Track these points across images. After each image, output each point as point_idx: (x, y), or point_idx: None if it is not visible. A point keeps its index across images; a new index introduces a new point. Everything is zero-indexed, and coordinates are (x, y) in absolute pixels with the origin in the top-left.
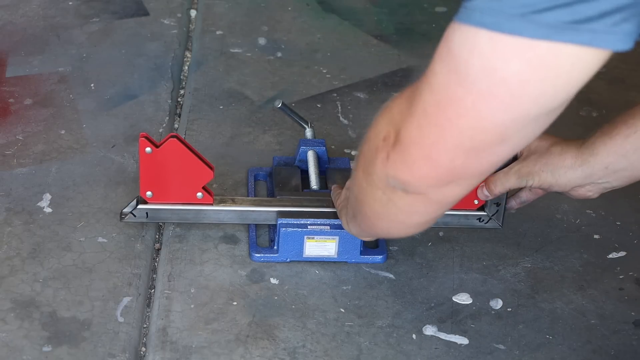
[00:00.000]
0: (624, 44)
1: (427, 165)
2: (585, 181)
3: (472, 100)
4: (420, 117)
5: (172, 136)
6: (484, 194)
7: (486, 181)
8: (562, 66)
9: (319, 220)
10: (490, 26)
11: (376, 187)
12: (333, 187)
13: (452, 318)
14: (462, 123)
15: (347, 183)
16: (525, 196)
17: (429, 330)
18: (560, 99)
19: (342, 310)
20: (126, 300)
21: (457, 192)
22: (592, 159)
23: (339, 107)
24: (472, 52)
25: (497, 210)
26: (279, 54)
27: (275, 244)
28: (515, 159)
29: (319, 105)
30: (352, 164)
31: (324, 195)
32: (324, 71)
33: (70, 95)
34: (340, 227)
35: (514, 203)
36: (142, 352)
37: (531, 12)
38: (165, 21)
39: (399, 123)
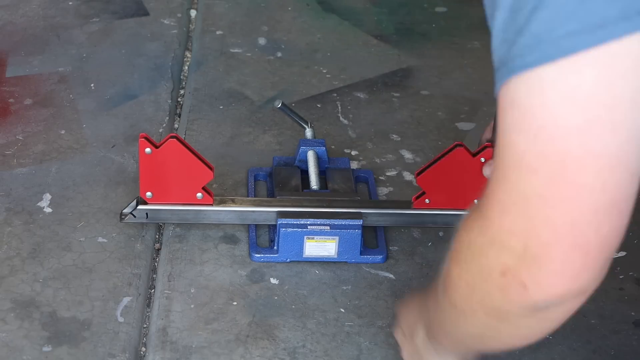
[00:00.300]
0: None
1: (580, 258)
2: None
3: (577, 143)
4: (542, 210)
5: (172, 136)
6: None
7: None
8: (632, 55)
9: (319, 221)
10: (546, 59)
11: (518, 319)
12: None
13: None
14: (586, 177)
15: (407, 330)
16: None
17: None
18: None
19: (342, 310)
20: (126, 300)
21: (607, 264)
22: None
23: (339, 107)
24: (543, 92)
25: None
26: (279, 54)
27: (275, 244)
28: None
29: (319, 105)
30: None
31: (324, 195)
32: (324, 71)
33: (70, 95)
34: (340, 227)
35: None
36: (142, 352)
37: (580, 26)
38: (165, 21)
39: (519, 242)
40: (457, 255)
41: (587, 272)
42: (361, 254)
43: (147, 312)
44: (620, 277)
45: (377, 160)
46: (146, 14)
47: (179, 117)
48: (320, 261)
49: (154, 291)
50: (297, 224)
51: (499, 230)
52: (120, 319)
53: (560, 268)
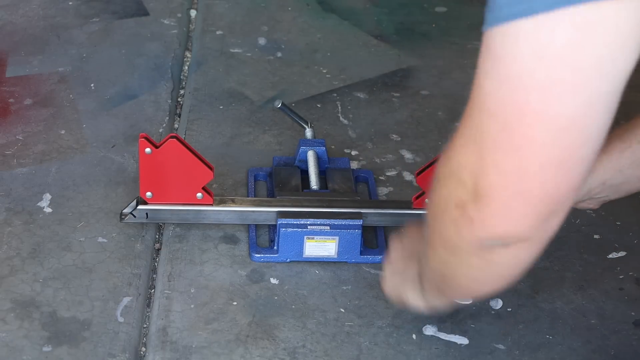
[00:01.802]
0: None
1: (522, 205)
2: (584, 197)
3: (537, 98)
4: (492, 153)
5: (172, 136)
6: None
7: None
8: (607, 22)
9: (318, 221)
10: (524, 13)
11: (467, 256)
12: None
13: (452, 318)
14: (539, 131)
15: (399, 264)
16: None
17: (429, 330)
18: (622, 61)
19: (342, 310)
20: (126, 300)
21: (557, 221)
22: (589, 176)
23: (339, 107)
24: (516, 44)
25: None
26: (279, 54)
27: (275, 244)
28: None
29: (319, 105)
30: (412, 238)
31: (324, 195)
32: (324, 71)
33: (70, 95)
34: (340, 227)
35: None
36: (142, 352)
37: None
38: (165, 21)
39: (471, 177)
40: (431, 187)
41: (527, 220)
42: (361, 254)
43: (147, 312)
44: (620, 277)
45: (377, 160)
46: (146, 14)
47: (179, 117)
48: (320, 261)
49: (154, 291)
50: (297, 224)
51: (457, 163)
52: (120, 319)
53: (502, 210)
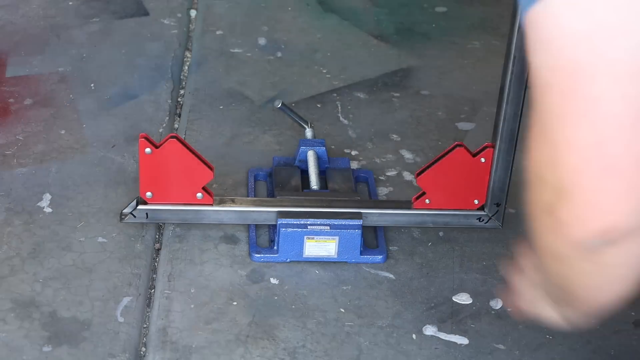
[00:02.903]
0: None
1: (611, 180)
2: None
3: (582, 48)
4: (560, 131)
5: (172, 136)
6: None
7: None
8: None
9: (319, 221)
10: None
11: (577, 263)
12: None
13: (452, 318)
14: (597, 87)
15: (531, 275)
16: None
17: (429, 330)
18: None
19: (342, 310)
20: (126, 300)
21: None
22: None
23: (339, 107)
24: (551, 4)
25: (497, 211)
26: (279, 54)
27: (275, 244)
28: None
29: (319, 105)
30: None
31: (324, 195)
32: (324, 71)
33: (70, 95)
34: (340, 227)
35: None
36: (142, 352)
37: None
38: (165, 21)
39: (551, 171)
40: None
41: (625, 201)
42: (361, 254)
43: (147, 312)
44: None
45: (377, 160)
46: (146, 14)
47: (179, 117)
48: (320, 261)
49: (154, 291)
50: (297, 224)
51: (535, 163)
52: (120, 319)
53: (592, 198)
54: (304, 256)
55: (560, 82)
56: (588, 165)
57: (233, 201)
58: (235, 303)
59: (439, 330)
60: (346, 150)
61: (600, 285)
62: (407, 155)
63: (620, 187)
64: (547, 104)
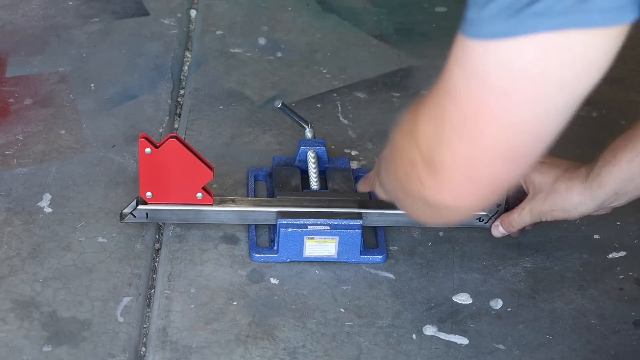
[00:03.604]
0: (631, 14)
1: (469, 186)
2: (598, 209)
3: (497, 102)
4: (450, 136)
5: (172, 136)
6: (499, 232)
7: (502, 221)
8: (575, 49)
9: (318, 221)
10: (489, 35)
11: (416, 202)
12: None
13: (452, 318)
14: (495, 130)
15: (376, 175)
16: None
17: (429, 330)
18: (584, 83)
19: (342, 310)
20: (126, 300)
21: (499, 196)
22: (601, 190)
23: (339, 107)
24: (486, 53)
25: (497, 211)
26: (279, 54)
27: (275, 244)
28: (523, 196)
29: (319, 105)
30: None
31: (324, 195)
32: (324, 71)
33: (70, 95)
34: (340, 227)
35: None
36: (142, 352)
37: (519, 8)
38: (165, 21)
39: (427, 148)
40: (401, 128)
41: (473, 199)
42: (361, 254)
43: (147, 312)
44: (620, 277)
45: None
46: (146, 14)
47: (179, 117)
48: (320, 261)
49: (154, 291)
50: (297, 224)
51: (418, 128)
52: (120, 319)
53: (450, 188)
54: (304, 256)
55: (467, 108)
56: (458, 165)
57: (233, 201)
58: (235, 303)
59: (439, 330)
60: (346, 150)
61: (429, 218)
62: None
63: (473, 189)
64: (447, 110)
